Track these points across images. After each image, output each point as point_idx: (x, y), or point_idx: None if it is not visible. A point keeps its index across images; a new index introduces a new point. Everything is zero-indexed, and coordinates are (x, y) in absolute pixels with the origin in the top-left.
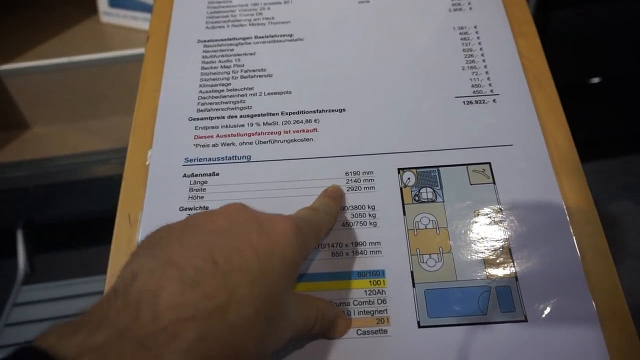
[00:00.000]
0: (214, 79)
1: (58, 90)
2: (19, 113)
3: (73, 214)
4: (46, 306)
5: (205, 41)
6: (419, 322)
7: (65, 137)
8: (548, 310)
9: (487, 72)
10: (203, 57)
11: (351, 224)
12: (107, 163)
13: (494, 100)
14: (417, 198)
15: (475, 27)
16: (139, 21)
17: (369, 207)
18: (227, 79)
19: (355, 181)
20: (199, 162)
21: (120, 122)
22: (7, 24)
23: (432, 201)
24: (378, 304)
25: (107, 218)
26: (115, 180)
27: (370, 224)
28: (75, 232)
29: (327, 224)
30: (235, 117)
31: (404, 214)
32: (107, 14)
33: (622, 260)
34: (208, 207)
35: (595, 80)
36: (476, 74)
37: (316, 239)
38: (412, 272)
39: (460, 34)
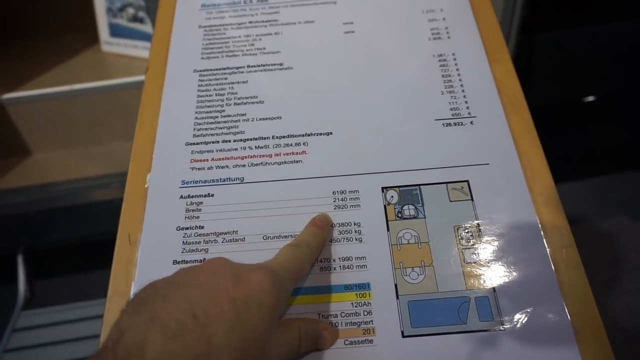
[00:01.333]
0: (209, 106)
1: (59, 117)
2: (22, 140)
3: (73, 238)
4: (45, 331)
5: (200, 71)
6: (402, 332)
7: (66, 162)
8: (524, 318)
9: (464, 96)
10: (199, 85)
11: (338, 240)
12: (107, 187)
13: (471, 122)
14: (400, 215)
15: (453, 54)
16: (139, 50)
17: (354, 224)
18: (222, 105)
19: (342, 200)
20: (195, 184)
21: (120, 147)
22: (11, 54)
23: (414, 217)
24: (364, 315)
25: (107, 241)
26: (115, 204)
27: (356, 239)
28: (75, 256)
29: (310, 259)
30: (229, 141)
31: (388, 229)
32: (108, 44)
33: (619, 276)
34: (203, 227)
35: (590, 98)
36: (454, 98)
37: (295, 281)
38: (396, 285)
39: (439, 60)
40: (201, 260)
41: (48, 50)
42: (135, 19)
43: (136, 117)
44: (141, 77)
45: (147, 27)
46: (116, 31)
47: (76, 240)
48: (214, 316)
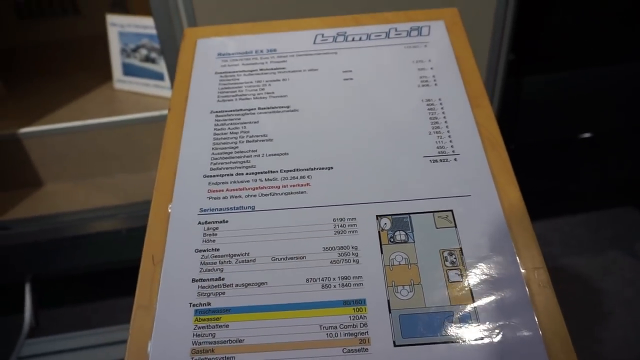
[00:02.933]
0: (224, 143)
1: (71, 151)
2: (34, 171)
3: (80, 267)
4: (49, 359)
5: (217, 112)
6: (394, 342)
7: (75, 193)
8: (501, 331)
9: (449, 136)
10: (215, 125)
11: (337, 261)
12: (114, 218)
13: (455, 159)
14: (392, 239)
15: (439, 99)
16: (149, 87)
17: (352, 247)
18: (235, 143)
19: (341, 226)
20: (211, 212)
21: (127, 180)
22: (28, 89)
23: (405, 242)
24: (360, 327)
25: (112, 271)
26: (122, 234)
27: (353, 261)
28: (79, 286)
29: None
30: (242, 174)
31: (382, 252)
32: (121, 82)
33: (612, 311)
34: (219, 249)
35: (583, 135)
36: (440, 138)
37: None
38: (388, 301)
39: (427, 105)
40: (217, 278)
41: (63, 87)
42: (147, 59)
43: (144, 151)
44: (150, 113)
45: (158, 67)
46: (129, 70)
47: (83, 269)
48: None
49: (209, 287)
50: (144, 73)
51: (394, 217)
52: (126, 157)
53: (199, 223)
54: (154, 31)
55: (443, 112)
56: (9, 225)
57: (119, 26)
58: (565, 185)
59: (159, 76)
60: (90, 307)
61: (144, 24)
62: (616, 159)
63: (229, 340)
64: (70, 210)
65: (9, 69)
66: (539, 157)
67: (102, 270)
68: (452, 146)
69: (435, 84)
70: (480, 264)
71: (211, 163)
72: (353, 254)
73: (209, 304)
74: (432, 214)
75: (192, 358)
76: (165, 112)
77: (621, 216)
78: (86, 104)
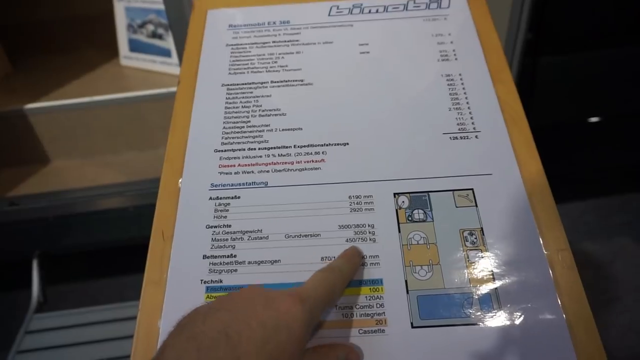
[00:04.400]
0: (235, 117)
1: (78, 127)
2: (42, 148)
3: (87, 244)
4: (57, 334)
5: (228, 85)
6: (412, 323)
7: (83, 170)
8: (523, 313)
9: (470, 113)
10: (226, 98)
11: (353, 239)
12: (122, 195)
13: (476, 136)
14: (410, 218)
15: (460, 74)
16: (156, 64)
17: (368, 226)
18: (247, 117)
19: (357, 204)
20: (223, 187)
21: (135, 157)
22: (35, 66)
23: (423, 221)
24: (377, 307)
25: (119, 248)
26: (130, 212)
27: (370, 239)
28: (85, 263)
29: (342, 284)
30: (254, 149)
31: (399, 231)
32: (127, 58)
33: (621, 297)
34: (231, 225)
35: (594, 119)
36: (461, 114)
37: (325, 306)
38: (406, 281)
39: (447, 80)
40: (229, 255)
41: (70, 63)
42: (154, 35)
43: (152, 129)
44: (157, 90)
45: (165, 43)
46: (135, 46)
47: (90, 246)
48: (245, 337)
49: (221, 264)
50: (150, 49)
51: (412, 195)
52: (133, 134)
53: (210, 198)
54: (161, 6)
55: (463, 88)
56: (17, 202)
57: (125, 1)
58: (575, 169)
59: (166, 52)
60: (96, 284)
61: None
62: (628, 144)
63: None
64: (78, 187)
65: (15, 45)
66: (549, 140)
67: (108, 248)
68: (472, 123)
69: (455, 58)
70: (501, 244)
71: (222, 137)
72: (369, 233)
73: (221, 281)
74: (451, 192)
75: None
76: (172, 89)
77: (631, 202)
78: (93, 80)
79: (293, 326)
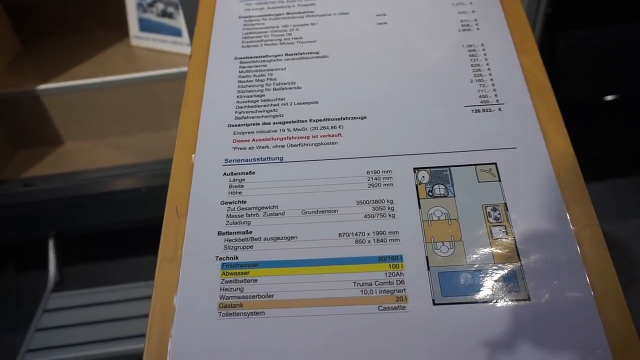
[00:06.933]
0: (249, 91)
1: (90, 108)
2: (54, 129)
3: (100, 225)
4: (74, 312)
5: (241, 58)
6: (433, 300)
7: (96, 151)
8: (549, 291)
9: (493, 84)
10: (240, 72)
11: (372, 215)
12: (135, 176)
13: (499, 109)
14: (430, 193)
15: (482, 45)
16: (167, 44)
17: (387, 201)
18: (261, 90)
19: (375, 179)
20: (237, 163)
21: (147, 138)
22: (46, 47)
23: (445, 196)
24: (397, 284)
25: (132, 229)
26: (142, 192)
27: (389, 215)
28: (100, 244)
29: None
30: (269, 123)
31: (419, 207)
32: (138, 38)
33: (638, 278)
34: (246, 201)
35: (610, 97)
36: (483, 86)
37: None
38: (427, 257)
39: (469, 51)
40: (244, 231)
41: (81, 44)
42: (164, 14)
43: (163, 109)
44: (168, 70)
45: (175, 22)
46: (145, 26)
47: (103, 227)
48: None
49: (236, 240)
50: (160, 29)
51: (432, 169)
52: (145, 115)
53: (225, 174)
54: None
55: (486, 59)
56: (31, 182)
57: None
58: (591, 149)
59: (176, 32)
60: (111, 265)
61: None
62: None
63: (258, 295)
64: (91, 168)
65: (25, 26)
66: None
67: (122, 229)
68: (495, 95)
69: (478, 28)
70: (526, 220)
71: (236, 112)
72: (389, 208)
73: (236, 257)
74: (474, 167)
75: (220, 312)
76: (184, 69)
77: None
78: (103, 60)
79: None
